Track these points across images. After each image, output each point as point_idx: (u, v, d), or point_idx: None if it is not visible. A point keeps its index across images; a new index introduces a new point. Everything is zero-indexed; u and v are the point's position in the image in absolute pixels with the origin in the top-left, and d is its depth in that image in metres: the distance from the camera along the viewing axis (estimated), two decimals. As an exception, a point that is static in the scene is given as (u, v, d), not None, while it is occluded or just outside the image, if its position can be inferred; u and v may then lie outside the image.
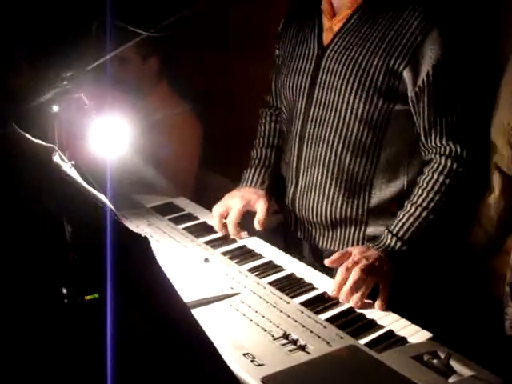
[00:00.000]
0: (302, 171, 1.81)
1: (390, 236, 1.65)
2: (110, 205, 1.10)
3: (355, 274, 1.54)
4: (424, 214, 1.64)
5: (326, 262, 1.64)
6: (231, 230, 1.85)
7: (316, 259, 1.85)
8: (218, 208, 1.89)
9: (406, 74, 1.62)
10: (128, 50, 1.99)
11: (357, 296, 1.53)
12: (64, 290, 1.29)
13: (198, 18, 2.28)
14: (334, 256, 1.64)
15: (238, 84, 2.75)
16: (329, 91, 1.72)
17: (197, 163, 2.72)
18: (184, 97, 2.76)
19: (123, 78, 2.55)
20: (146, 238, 1.00)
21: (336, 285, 1.56)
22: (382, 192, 1.73)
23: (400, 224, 1.65)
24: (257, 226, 1.84)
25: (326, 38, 1.75)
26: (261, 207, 1.86)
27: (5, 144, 1.38)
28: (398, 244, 1.64)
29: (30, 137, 1.34)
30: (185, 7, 1.48)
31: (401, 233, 1.64)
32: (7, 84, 1.68)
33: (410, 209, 1.66)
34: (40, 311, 1.08)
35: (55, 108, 1.50)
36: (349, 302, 1.53)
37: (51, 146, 1.26)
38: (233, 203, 1.88)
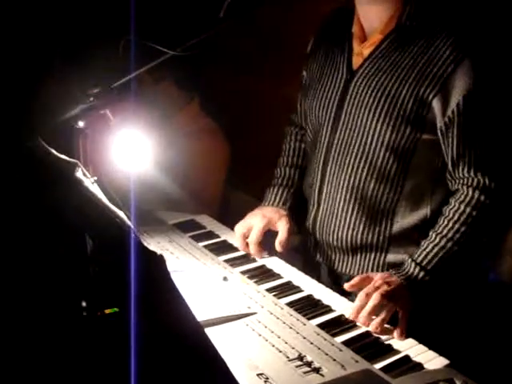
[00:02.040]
0: (324, 195, 1.81)
1: (413, 265, 1.63)
2: (128, 222, 1.11)
3: (375, 298, 1.53)
4: (449, 244, 1.62)
5: (346, 286, 1.63)
6: (252, 248, 1.85)
7: (334, 283, 1.84)
8: (240, 227, 1.90)
9: (436, 104, 1.60)
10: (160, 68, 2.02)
11: (376, 321, 1.51)
12: (83, 303, 1.31)
13: (229, 39, 2.30)
14: (354, 280, 1.63)
15: (264, 103, 2.77)
16: (356, 116, 1.71)
17: (222, 181, 2.74)
18: (212, 115, 2.78)
19: (154, 96, 2.59)
20: (161, 255, 1.01)
21: (355, 308, 1.55)
22: (404, 220, 1.71)
23: (424, 253, 1.63)
24: (278, 247, 1.85)
25: (356, 62, 1.75)
26: (282, 228, 1.87)
27: (30, 157, 1.40)
28: (421, 273, 1.61)
29: (54, 151, 1.37)
30: (211, 27, 1.50)
31: (424, 262, 1.62)
32: (39, 96, 1.71)
33: (435, 239, 1.63)
34: (59, 323, 1.10)
35: (81, 124, 1.52)
36: (367, 326, 1.52)
37: (74, 161, 1.28)
38: (254, 222, 1.88)
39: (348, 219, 1.76)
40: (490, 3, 1.84)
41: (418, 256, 1.64)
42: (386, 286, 1.57)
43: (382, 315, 1.52)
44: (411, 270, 1.63)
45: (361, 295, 1.56)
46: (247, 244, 1.88)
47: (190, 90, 2.72)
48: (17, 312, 1.05)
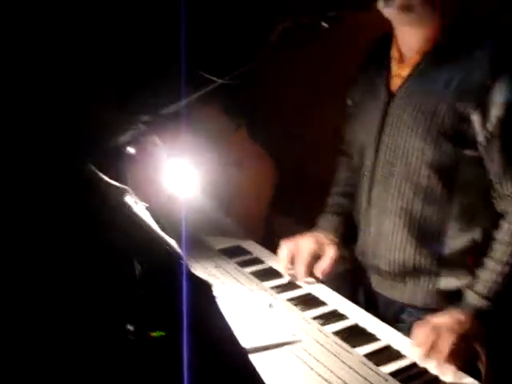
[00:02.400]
0: (372, 218, 1.80)
1: (476, 297, 1.58)
2: (177, 248, 1.13)
3: (451, 340, 1.48)
4: (506, 269, 1.58)
5: (412, 343, 1.55)
6: (300, 269, 1.85)
7: (384, 310, 1.82)
8: (289, 244, 1.91)
9: (476, 118, 1.58)
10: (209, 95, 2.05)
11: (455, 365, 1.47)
12: (130, 327, 1.32)
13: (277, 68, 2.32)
14: (417, 331, 1.55)
15: (314, 131, 2.78)
16: (397, 137, 1.71)
17: (267, 207, 2.75)
18: (260, 141, 2.81)
19: (204, 122, 2.62)
20: (209, 283, 1.02)
21: (426, 351, 1.49)
22: (454, 241, 1.68)
23: (484, 283, 1.59)
24: (317, 273, 1.85)
25: (394, 84, 1.75)
26: (329, 255, 1.87)
27: (81, 181, 1.44)
28: (488, 304, 1.57)
29: (104, 176, 1.40)
30: (260, 56, 1.51)
31: (488, 293, 1.58)
32: (90, 122, 1.76)
33: (492, 265, 1.59)
34: (105, 346, 1.11)
35: (130, 149, 1.55)
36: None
37: (124, 187, 1.31)
38: (304, 243, 1.89)
39: (397, 242, 1.74)
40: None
41: (480, 287, 1.59)
42: (457, 326, 1.52)
43: (460, 357, 1.48)
44: (475, 301, 1.58)
45: (430, 337, 1.50)
46: (291, 263, 1.88)
47: (238, 117, 2.75)
48: (65, 334, 1.07)
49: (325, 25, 1.50)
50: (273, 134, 2.92)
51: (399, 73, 1.74)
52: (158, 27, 2.92)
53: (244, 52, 1.61)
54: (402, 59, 1.75)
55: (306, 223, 2.13)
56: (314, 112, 2.77)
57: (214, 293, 1.01)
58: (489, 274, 1.59)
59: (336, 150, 2.12)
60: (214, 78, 1.49)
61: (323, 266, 1.86)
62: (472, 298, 1.59)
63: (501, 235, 1.61)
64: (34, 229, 1.30)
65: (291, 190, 2.86)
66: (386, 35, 1.81)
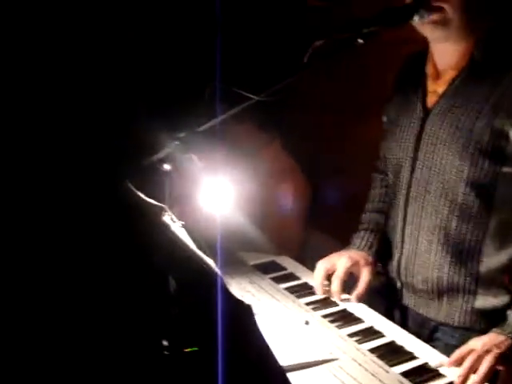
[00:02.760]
0: (407, 236, 1.79)
1: None
2: (214, 266, 1.13)
3: (489, 361, 1.46)
4: None
5: (447, 362, 1.53)
6: (335, 285, 1.84)
7: (417, 328, 1.80)
8: (324, 262, 1.90)
9: None
10: (243, 111, 2.06)
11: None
12: (164, 342, 1.33)
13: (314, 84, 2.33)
14: (455, 355, 1.53)
15: (349, 146, 2.78)
16: (433, 154, 1.69)
17: (303, 222, 2.74)
18: (294, 156, 2.81)
19: (238, 138, 2.64)
20: (249, 306, 1.02)
21: (464, 371, 1.46)
22: (491, 260, 1.65)
23: None
24: (354, 298, 1.84)
25: (430, 100, 1.74)
26: (364, 277, 1.87)
27: (119, 199, 1.45)
28: None
29: (141, 195, 1.41)
30: (295, 73, 1.52)
31: None
32: (128, 140, 1.78)
33: None
34: (140, 361, 1.12)
35: (167, 166, 1.56)
36: None
37: (161, 205, 1.32)
38: (340, 261, 1.88)
39: (432, 260, 1.72)
40: None
41: None
42: (496, 349, 1.49)
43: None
44: None
45: (470, 359, 1.48)
46: (327, 279, 1.88)
47: (272, 130, 2.76)
48: (103, 349, 1.08)
49: (360, 41, 1.50)
50: (308, 148, 2.93)
51: (435, 89, 1.73)
52: (193, 45, 2.96)
53: (280, 69, 1.61)
54: (437, 75, 1.74)
55: (342, 239, 2.13)
56: (351, 126, 2.77)
57: (253, 313, 1.01)
58: None
59: (370, 166, 2.12)
60: (251, 95, 1.49)
61: (359, 290, 1.85)
62: None
63: None
64: (74, 246, 1.32)
65: (327, 205, 2.86)
66: (421, 52, 1.81)
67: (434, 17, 1.59)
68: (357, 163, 2.67)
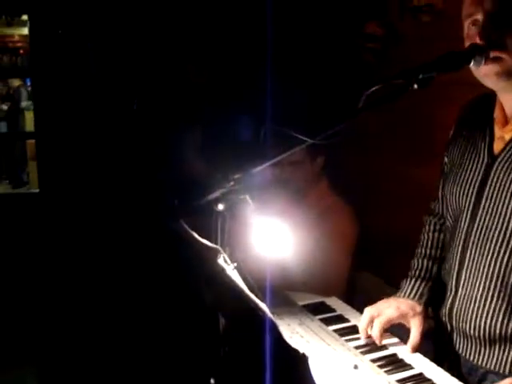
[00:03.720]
0: (462, 281, 1.76)
1: None
2: (270, 314, 1.14)
3: None
4: None
5: None
6: (375, 330, 1.83)
7: (466, 375, 1.77)
8: (371, 309, 1.88)
9: None
10: (298, 152, 2.08)
11: None
12: (212, 381, 1.34)
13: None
14: None
15: (400, 187, 2.77)
16: (497, 201, 1.68)
17: (350, 260, 2.73)
18: (343, 195, 2.81)
19: (290, 178, 2.66)
20: (304, 355, 1.03)
21: None
22: None
23: None
24: (409, 350, 1.81)
25: (497, 146, 1.72)
26: (415, 329, 1.84)
27: (174, 239, 1.48)
28: None
29: (196, 235, 1.43)
30: (351, 116, 1.53)
31: None
32: (188, 178, 1.81)
33: None
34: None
35: (220, 206, 1.58)
36: None
37: (216, 247, 1.34)
38: (387, 310, 1.86)
39: (487, 307, 1.70)
40: None
41: None
42: None
43: None
44: None
45: None
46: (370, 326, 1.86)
47: (323, 168, 2.78)
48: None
49: (415, 87, 1.51)
50: (357, 187, 2.93)
51: (502, 135, 1.71)
52: (249, 86, 3.02)
53: (336, 112, 1.63)
54: (505, 121, 1.72)
55: (390, 279, 2.11)
56: (403, 167, 2.77)
57: (308, 363, 1.01)
58: None
59: (422, 207, 2.11)
60: (306, 138, 1.51)
61: (412, 342, 1.82)
62: None
63: None
64: (130, 284, 1.35)
65: (377, 246, 2.85)
66: (488, 95, 1.79)
67: (496, 68, 1.59)
68: (407, 204, 2.66)
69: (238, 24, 3.19)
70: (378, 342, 1.83)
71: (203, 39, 3.18)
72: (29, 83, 7.17)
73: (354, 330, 1.92)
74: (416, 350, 1.81)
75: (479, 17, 1.61)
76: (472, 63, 1.58)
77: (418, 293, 1.91)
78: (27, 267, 3.67)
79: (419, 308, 1.88)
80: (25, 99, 7.93)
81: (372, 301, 1.95)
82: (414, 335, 1.83)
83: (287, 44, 3.15)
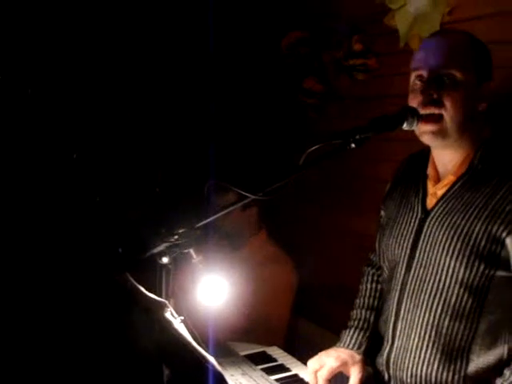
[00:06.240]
0: (398, 331, 1.82)
1: None
2: (218, 367, 1.17)
3: None
4: None
5: None
6: None
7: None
8: (313, 364, 1.91)
9: (509, 241, 1.63)
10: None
11: None
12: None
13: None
14: None
15: (339, 237, 2.83)
16: (430, 254, 1.75)
17: (290, 310, 2.78)
18: (282, 245, 2.87)
19: (226, 227, 2.71)
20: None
21: None
22: (480, 359, 1.69)
23: None
24: None
25: (430, 202, 1.81)
26: (355, 376, 1.88)
27: (119, 291, 1.50)
28: None
29: (142, 289, 1.46)
30: (292, 173, 1.59)
31: None
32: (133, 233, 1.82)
33: (509, 377, 1.62)
34: None
35: (164, 260, 1.61)
36: None
37: (164, 301, 1.36)
38: (328, 361, 1.90)
39: (423, 356, 1.75)
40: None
41: None
42: None
43: None
44: None
45: None
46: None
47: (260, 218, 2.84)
48: None
49: (353, 146, 1.60)
50: (294, 237, 2.99)
51: (435, 192, 1.80)
52: (191, 141, 3.08)
53: (275, 169, 1.69)
54: (438, 178, 1.81)
55: (329, 327, 2.16)
56: (341, 218, 2.83)
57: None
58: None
59: (359, 257, 2.18)
60: (248, 194, 1.57)
61: None
62: None
63: None
64: (71, 335, 1.36)
65: (317, 294, 2.90)
66: (423, 152, 1.89)
67: (433, 127, 1.69)
68: (345, 253, 2.73)
69: (180, 81, 3.26)
70: None
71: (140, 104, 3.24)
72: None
73: (295, 379, 1.95)
74: None
75: (424, 73, 1.71)
76: (405, 124, 1.67)
77: (357, 343, 1.96)
78: None
79: (358, 357, 1.93)
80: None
81: (312, 347, 1.99)
82: (353, 382, 1.88)
83: (229, 100, 3.23)
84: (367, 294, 2.05)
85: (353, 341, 1.96)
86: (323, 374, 1.87)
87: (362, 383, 1.93)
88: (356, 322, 2.00)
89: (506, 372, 1.64)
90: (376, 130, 1.61)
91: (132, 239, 1.75)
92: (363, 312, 2.02)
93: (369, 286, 2.06)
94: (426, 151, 1.87)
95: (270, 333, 2.55)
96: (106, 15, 3.14)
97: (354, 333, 1.98)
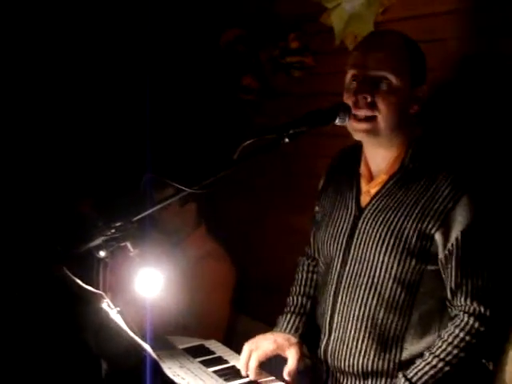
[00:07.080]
0: (335, 324, 1.87)
1: (403, 380, 1.69)
2: (154, 355, 1.19)
3: None
4: (440, 364, 1.67)
5: None
6: (252, 365, 1.88)
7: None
8: (250, 344, 1.94)
9: (438, 237, 1.70)
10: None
11: None
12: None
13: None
14: None
15: (275, 233, 2.87)
16: (364, 250, 1.81)
17: (229, 306, 2.80)
18: (221, 241, 2.89)
19: (164, 221, 2.72)
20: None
21: None
22: (413, 347, 1.76)
23: (415, 370, 1.69)
24: (286, 376, 1.89)
25: (364, 200, 1.86)
26: (292, 357, 1.91)
27: (57, 285, 1.50)
28: None
29: (79, 281, 1.46)
30: (227, 167, 1.62)
31: (414, 379, 1.68)
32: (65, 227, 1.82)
33: (428, 358, 1.69)
34: None
35: (101, 253, 1.61)
36: None
37: (100, 293, 1.37)
38: (263, 344, 1.93)
39: (359, 347, 1.81)
40: (485, 144, 1.98)
41: (410, 372, 1.69)
42: None
43: None
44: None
45: None
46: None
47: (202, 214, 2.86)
48: None
49: (286, 140, 1.63)
50: (234, 234, 3.01)
51: (368, 190, 1.86)
52: (128, 134, 3.07)
53: (211, 163, 1.72)
54: (371, 177, 1.87)
55: (268, 321, 2.19)
56: (275, 215, 2.87)
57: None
58: (423, 364, 1.69)
59: (296, 252, 2.21)
60: (184, 188, 1.59)
61: (289, 367, 1.89)
62: (400, 381, 1.69)
63: (444, 334, 1.71)
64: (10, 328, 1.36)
65: (255, 290, 2.93)
66: (355, 147, 1.94)
67: (366, 126, 1.75)
68: (283, 249, 2.76)
69: (115, 78, 3.26)
70: (253, 375, 1.89)
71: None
72: None
73: (233, 370, 1.97)
74: (292, 377, 1.89)
75: (360, 74, 1.76)
76: (337, 120, 1.72)
77: (294, 327, 1.99)
78: None
79: (294, 340, 1.96)
80: None
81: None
82: (291, 362, 1.90)
83: (167, 95, 3.23)
84: (303, 282, 2.10)
85: (289, 325, 2.00)
86: (258, 354, 1.90)
87: (301, 372, 1.98)
88: (292, 308, 2.05)
89: (426, 353, 1.72)
90: (309, 125, 1.66)
91: (69, 232, 1.74)
92: (299, 298, 2.06)
93: (304, 276, 2.11)
94: (357, 146, 1.92)
95: (209, 328, 2.56)
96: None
97: (290, 317, 2.02)
